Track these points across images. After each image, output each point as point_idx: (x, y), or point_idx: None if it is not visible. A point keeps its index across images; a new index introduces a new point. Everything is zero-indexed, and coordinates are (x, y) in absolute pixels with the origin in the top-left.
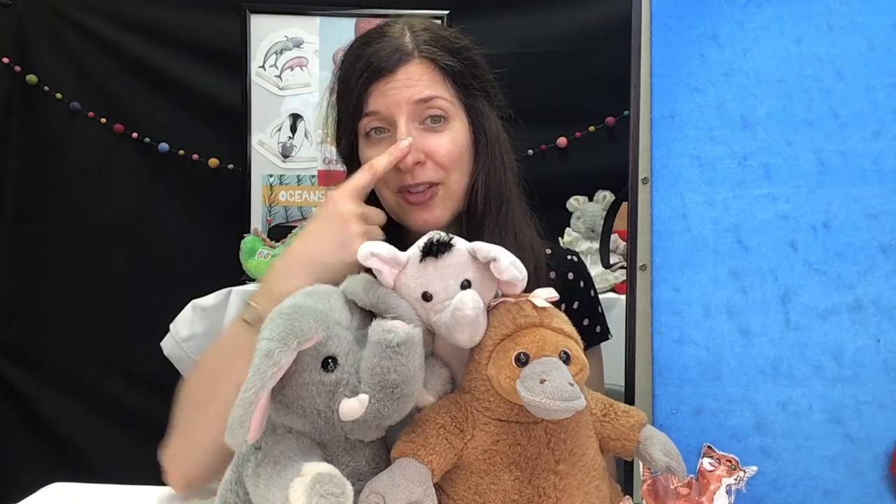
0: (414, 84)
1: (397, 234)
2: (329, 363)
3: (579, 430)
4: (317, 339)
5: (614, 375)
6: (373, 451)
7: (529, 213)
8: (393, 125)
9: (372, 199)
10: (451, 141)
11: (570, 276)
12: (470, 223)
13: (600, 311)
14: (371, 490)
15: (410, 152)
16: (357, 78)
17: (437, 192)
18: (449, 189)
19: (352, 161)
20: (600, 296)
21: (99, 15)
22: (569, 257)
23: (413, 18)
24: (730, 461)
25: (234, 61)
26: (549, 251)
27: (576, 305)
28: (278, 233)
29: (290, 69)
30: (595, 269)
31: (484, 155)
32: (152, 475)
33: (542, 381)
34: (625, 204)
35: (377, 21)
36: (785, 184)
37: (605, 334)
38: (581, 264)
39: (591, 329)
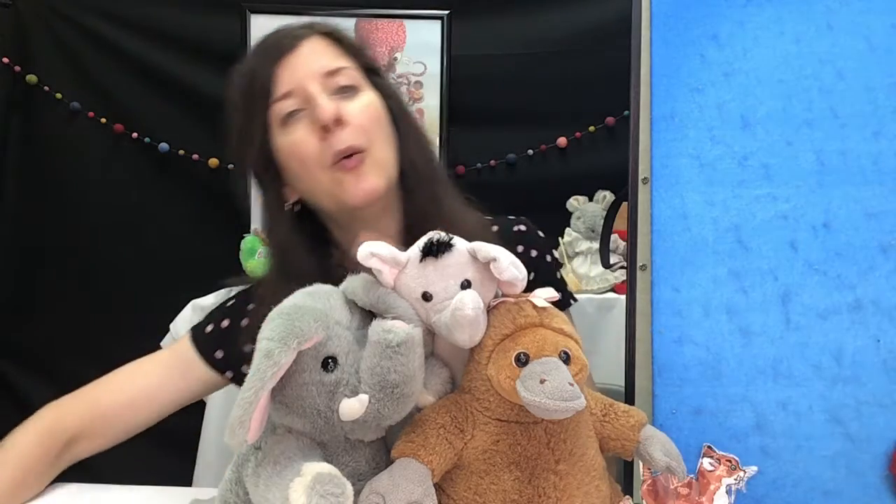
0: (319, 57)
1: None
2: (329, 363)
3: (579, 430)
4: (317, 339)
5: (614, 375)
6: (373, 451)
7: (462, 194)
8: (308, 101)
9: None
10: (367, 106)
11: (520, 248)
12: (406, 199)
13: (559, 276)
14: (371, 490)
15: (330, 105)
16: (263, 60)
17: (364, 159)
18: (374, 157)
19: (268, 170)
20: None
21: (99, 15)
22: (515, 228)
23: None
24: (730, 461)
25: (234, 61)
26: (495, 228)
27: (532, 276)
28: None
29: None
30: (595, 269)
31: (405, 130)
32: (153, 475)
33: (542, 381)
34: (625, 204)
35: (377, 21)
36: (785, 184)
37: (567, 300)
38: (530, 232)
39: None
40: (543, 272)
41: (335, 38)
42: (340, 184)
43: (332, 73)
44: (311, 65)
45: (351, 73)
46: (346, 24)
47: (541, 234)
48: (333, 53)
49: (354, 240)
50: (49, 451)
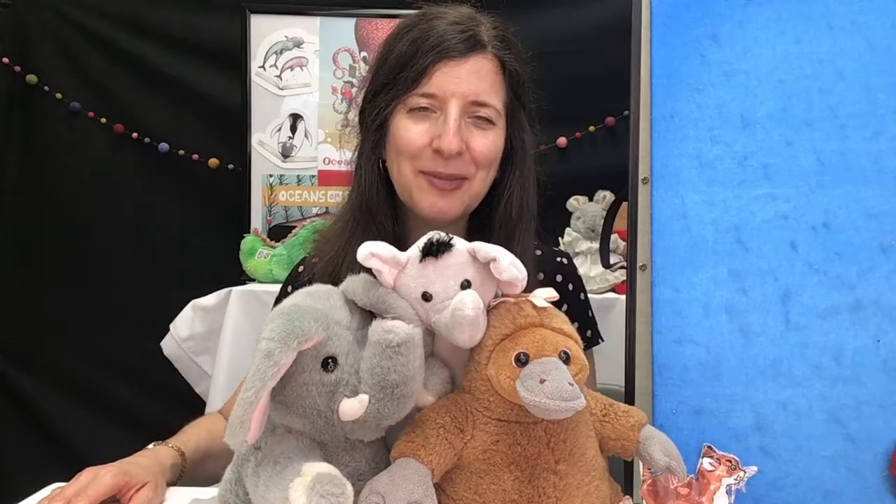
0: (479, 81)
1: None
2: (329, 363)
3: (579, 430)
4: (317, 339)
5: (614, 375)
6: (373, 451)
7: (534, 227)
8: (443, 111)
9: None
10: (493, 142)
11: (559, 278)
12: (485, 232)
13: (591, 314)
14: (371, 490)
15: (455, 141)
16: (427, 51)
17: (461, 186)
18: (472, 187)
19: (379, 127)
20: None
21: (99, 15)
22: (559, 259)
23: (475, 10)
24: (730, 461)
25: (234, 61)
26: (539, 252)
27: (564, 308)
28: (278, 233)
29: (290, 69)
30: (595, 269)
31: (520, 168)
32: None
33: (541, 381)
34: (625, 204)
35: (377, 21)
36: (785, 184)
37: (595, 339)
38: (571, 266)
39: (582, 333)
40: (576, 308)
41: (503, 64)
42: (421, 190)
43: (480, 104)
44: (466, 86)
45: (495, 110)
46: (347, 25)
47: (580, 273)
48: (492, 82)
49: (414, 227)
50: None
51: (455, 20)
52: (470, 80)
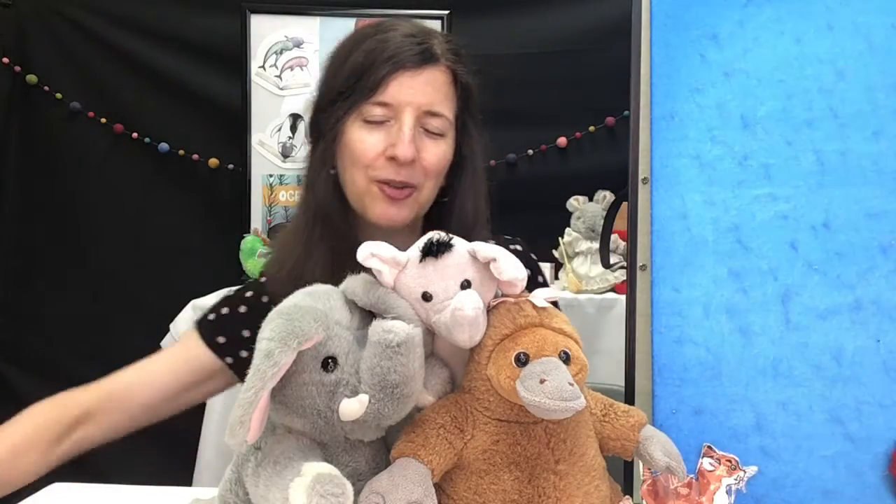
0: (433, 92)
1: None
2: (329, 363)
3: (579, 430)
4: (317, 339)
5: (614, 375)
6: (373, 451)
7: (489, 227)
8: (398, 119)
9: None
10: (443, 152)
11: None
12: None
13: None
14: (371, 490)
15: (410, 149)
16: (383, 61)
17: (410, 195)
18: (421, 195)
19: (332, 135)
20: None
21: (99, 15)
22: (512, 248)
23: (426, 24)
24: (730, 461)
25: (234, 61)
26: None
27: None
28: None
29: (290, 69)
30: (595, 269)
31: (471, 174)
32: (153, 475)
33: (541, 381)
34: (625, 204)
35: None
36: (785, 184)
37: None
38: (524, 253)
39: None
40: (534, 287)
41: (456, 77)
42: (374, 198)
43: (433, 114)
44: (420, 96)
45: (446, 121)
46: (347, 25)
47: (533, 256)
48: (445, 93)
49: (365, 234)
50: (60, 419)
51: (410, 33)
52: (424, 90)
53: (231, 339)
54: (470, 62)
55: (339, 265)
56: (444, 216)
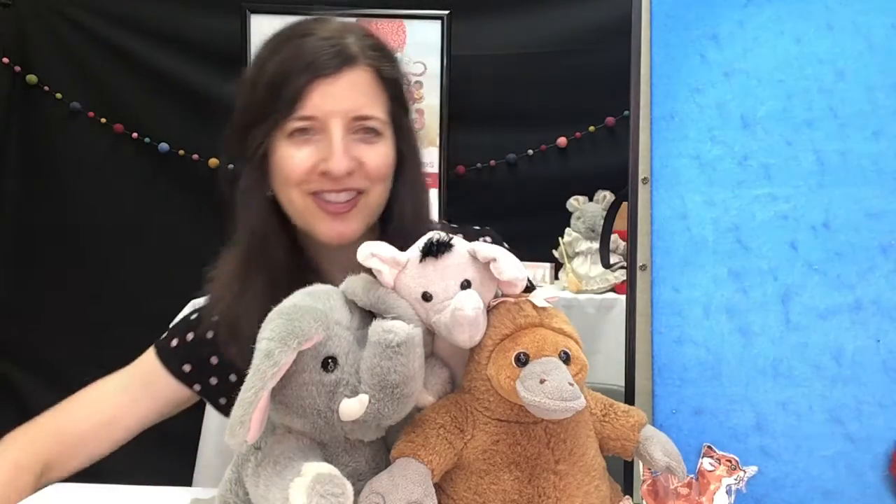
0: (357, 96)
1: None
2: (329, 363)
3: (579, 430)
4: (317, 339)
5: (614, 375)
6: (373, 451)
7: (435, 222)
8: (325, 132)
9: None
10: (385, 154)
11: None
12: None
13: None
14: (371, 490)
15: (344, 161)
16: (299, 71)
17: (357, 203)
18: (369, 200)
19: (262, 158)
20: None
21: (99, 15)
22: (482, 239)
23: (345, 21)
24: (730, 461)
25: (234, 61)
26: (459, 236)
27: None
28: None
29: None
30: (595, 269)
31: (411, 173)
32: (152, 475)
33: (541, 381)
34: (625, 204)
35: (377, 21)
36: (785, 184)
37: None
38: (494, 243)
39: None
40: None
41: (379, 73)
42: (315, 216)
43: (363, 118)
44: (344, 103)
45: (380, 121)
46: None
47: (505, 245)
48: (371, 94)
49: (320, 251)
50: (25, 486)
51: (324, 35)
52: (347, 95)
53: (197, 366)
54: (392, 54)
55: (277, 300)
56: (386, 214)
